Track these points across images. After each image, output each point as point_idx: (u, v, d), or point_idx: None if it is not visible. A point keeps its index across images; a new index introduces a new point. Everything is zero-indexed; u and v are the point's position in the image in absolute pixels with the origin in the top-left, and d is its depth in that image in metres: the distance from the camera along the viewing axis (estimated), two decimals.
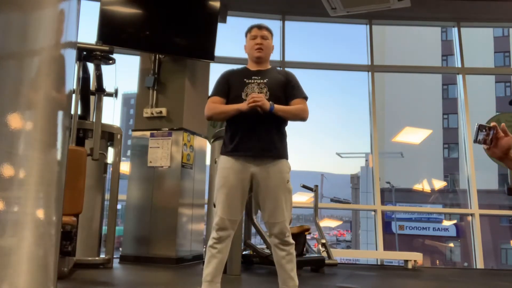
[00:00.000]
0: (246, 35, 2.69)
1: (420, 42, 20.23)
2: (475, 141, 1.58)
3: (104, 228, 4.49)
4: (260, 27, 2.64)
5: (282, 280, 2.43)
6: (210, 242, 2.40)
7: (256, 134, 2.43)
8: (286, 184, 2.45)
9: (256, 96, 2.38)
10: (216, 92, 2.57)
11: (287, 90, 2.54)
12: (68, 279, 3.44)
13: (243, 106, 2.40)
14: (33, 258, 1.15)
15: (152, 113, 5.15)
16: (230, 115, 2.47)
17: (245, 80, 2.53)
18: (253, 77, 2.53)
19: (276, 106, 2.41)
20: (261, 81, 2.51)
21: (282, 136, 2.53)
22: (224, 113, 2.49)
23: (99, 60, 4.11)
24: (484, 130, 1.56)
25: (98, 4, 4.92)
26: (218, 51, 5.25)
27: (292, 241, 2.44)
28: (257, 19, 7.29)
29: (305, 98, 2.57)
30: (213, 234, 2.39)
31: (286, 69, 6.68)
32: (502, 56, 21.88)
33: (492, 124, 1.58)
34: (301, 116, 2.51)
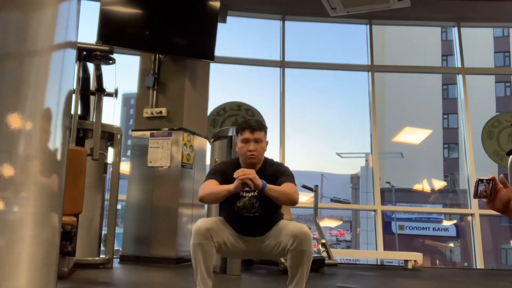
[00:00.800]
0: (237, 134, 2.54)
1: (420, 42, 20.22)
2: (475, 196, 1.52)
3: (104, 228, 4.49)
4: (252, 129, 2.47)
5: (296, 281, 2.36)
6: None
7: (250, 233, 2.47)
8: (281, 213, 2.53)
9: (247, 171, 2.27)
10: (211, 178, 2.47)
11: (276, 179, 2.43)
12: (68, 279, 3.44)
13: (233, 185, 2.29)
14: (33, 258, 1.15)
15: (152, 113, 5.15)
16: (222, 196, 2.36)
17: (238, 192, 2.43)
18: (245, 189, 2.40)
19: (269, 185, 2.30)
20: (253, 194, 2.44)
21: (277, 221, 2.51)
22: (215, 194, 2.37)
23: (99, 60, 4.11)
24: (483, 182, 1.52)
25: (98, 4, 4.92)
26: (218, 51, 5.25)
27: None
28: (257, 19, 7.32)
29: (294, 184, 2.46)
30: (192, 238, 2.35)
31: (287, 69, 6.68)
32: (502, 56, 21.87)
33: (490, 176, 1.54)
34: (293, 198, 2.37)
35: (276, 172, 2.47)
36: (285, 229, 2.40)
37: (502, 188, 1.50)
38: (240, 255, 2.79)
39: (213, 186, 2.40)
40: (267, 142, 2.55)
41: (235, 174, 2.27)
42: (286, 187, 2.38)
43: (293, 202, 2.38)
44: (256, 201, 2.42)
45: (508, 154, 1.76)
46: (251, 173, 2.26)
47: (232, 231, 2.46)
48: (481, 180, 1.52)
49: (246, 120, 2.53)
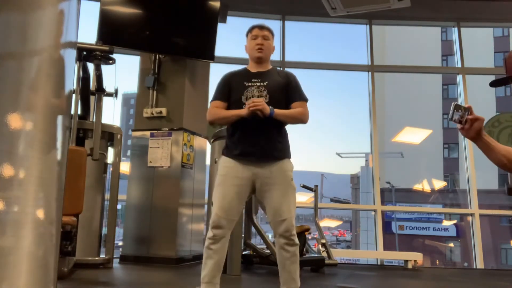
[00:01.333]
0: (247, 35, 2.68)
1: (420, 42, 20.23)
2: (450, 119, 1.67)
3: (104, 228, 4.49)
4: (261, 27, 2.63)
5: (284, 280, 2.42)
6: (206, 242, 2.39)
7: (257, 138, 2.44)
8: (290, 182, 2.46)
9: (256, 100, 2.39)
10: (217, 96, 2.58)
11: (287, 92, 2.54)
12: (68, 279, 3.44)
13: (243, 111, 2.42)
14: (33, 258, 1.15)
15: (152, 113, 5.15)
16: (231, 120, 2.49)
17: (245, 83, 2.53)
18: (253, 80, 2.53)
19: (276, 111, 2.42)
20: (261, 84, 2.51)
21: (283, 137, 2.53)
22: (225, 118, 2.52)
23: (99, 60, 4.11)
24: (459, 111, 1.68)
25: (98, 4, 4.92)
26: (218, 51, 5.26)
27: (297, 241, 2.43)
28: (257, 19, 7.31)
29: (305, 100, 2.57)
30: (209, 233, 2.38)
31: (287, 69, 6.69)
32: (502, 56, 21.82)
33: (467, 105, 1.71)
34: (301, 119, 2.52)
35: (290, 79, 2.58)
36: (283, 203, 2.39)
37: (477, 118, 1.67)
38: (243, 202, 2.67)
39: (222, 111, 2.52)
40: (274, 47, 2.68)
41: (247, 104, 2.41)
42: (294, 110, 2.51)
43: (303, 122, 2.55)
44: (264, 89, 2.51)
45: (492, 85, 1.81)
46: (260, 102, 2.39)
47: (238, 165, 2.43)
48: (457, 107, 1.69)
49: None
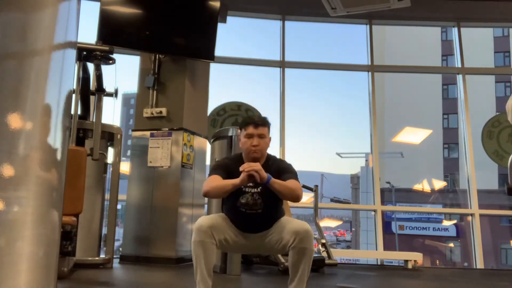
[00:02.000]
0: (241, 129, 2.56)
1: (420, 42, 20.22)
2: None
3: (104, 228, 4.49)
4: (256, 125, 2.49)
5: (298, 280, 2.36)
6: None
7: (252, 230, 2.49)
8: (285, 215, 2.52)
9: (253, 164, 2.31)
10: (217, 173, 2.47)
11: (280, 176, 2.43)
12: (68, 279, 3.43)
13: (239, 179, 2.31)
14: (33, 258, 1.15)
15: (152, 113, 5.15)
16: (227, 190, 2.37)
17: (241, 187, 2.43)
18: (248, 184, 2.42)
19: (273, 179, 2.32)
20: (255, 190, 2.45)
21: (280, 217, 2.52)
22: (220, 188, 2.38)
23: (99, 60, 4.10)
24: None
25: (98, 4, 4.92)
26: (218, 51, 5.25)
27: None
28: (257, 19, 7.32)
29: (298, 181, 2.48)
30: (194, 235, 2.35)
31: (287, 70, 6.69)
32: (502, 56, 21.87)
33: None
34: (297, 194, 2.38)
35: (279, 169, 2.49)
36: (287, 226, 2.40)
37: None
38: (241, 250, 2.81)
39: (218, 181, 2.40)
40: (270, 138, 2.57)
41: (241, 168, 2.30)
42: (290, 183, 2.40)
43: (296, 197, 2.40)
44: (258, 198, 2.43)
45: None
46: (257, 165, 2.29)
47: (234, 228, 2.47)
48: None
49: (250, 115, 2.57)
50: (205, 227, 2.31)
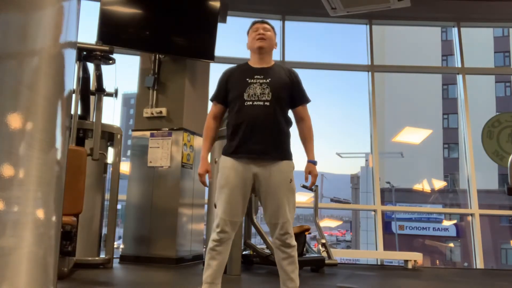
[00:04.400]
0: (248, 33, 2.63)
1: (420, 42, 20.22)
2: None
3: (104, 228, 4.49)
4: (262, 21, 2.60)
5: (283, 281, 2.42)
6: (210, 244, 2.37)
7: (258, 136, 2.37)
8: (289, 184, 2.41)
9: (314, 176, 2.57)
10: (216, 95, 2.58)
11: (291, 92, 2.49)
12: (68, 279, 3.44)
13: (204, 160, 2.54)
14: (33, 258, 1.15)
15: (152, 113, 5.15)
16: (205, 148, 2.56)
17: (247, 79, 2.45)
18: (255, 76, 2.45)
19: (312, 156, 2.56)
20: (264, 80, 2.43)
21: (285, 137, 2.47)
22: (204, 144, 2.57)
23: (99, 60, 4.11)
24: None
25: (98, 4, 4.92)
26: (218, 51, 5.26)
27: (294, 243, 2.40)
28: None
29: (308, 101, 2.57)
30: (214, 235, 2.36)
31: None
32: (502, 56, 21.88)
33: None
34: (312, 134, 2.59)
35: (291, 80, 2.52)
36: (280, 197, 2.38)
37: None
38: (246, 200, 2.68)
39: (208, 133, 2.56)
40: (276, 44, 2.62)
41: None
42: (308, 134, 2.56)
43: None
44: (267, 87, 2.43)
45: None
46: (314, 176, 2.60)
47: (239, 165, 2.39)
48: None
49: None
50: (226, 229, 2.35)
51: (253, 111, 2.38)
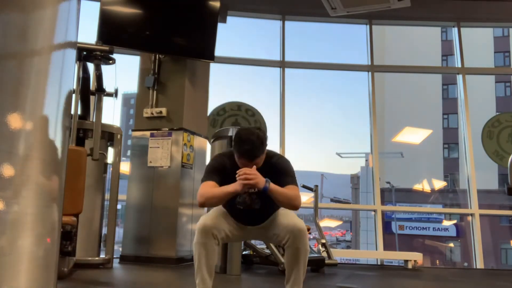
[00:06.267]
0: (233, 147, 2.37)
1: (420, 42, 20.22)
2: None
3: (104, 228, 4.49)
4: (253, 157, 2.29)
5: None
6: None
7: (250, 220, 2.51)
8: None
9: (248, 172, 2.21)
10: (210, 178, 2.35)
11: (278, 178, 2.34)
12: (68, 279, 3.43)
13: (237, 187, 2.23)
14: (33, 258, 1.15)
15: (152, 113, 5.15)
16: (223, 199, 2.30)
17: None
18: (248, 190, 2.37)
19: (272, 186, 2.23)
20: (253, 190, 2.32)
21: (277, 207, 2.50)
22: (216, 198, 2.29)
23: (99, 60, 4.10)
24: None
25: (98, 4, 4.92)
26: (218, 51, 5.25)
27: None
28: (257, 19, 7.31)
29: (297, 185, 2.40)
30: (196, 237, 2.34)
31: (287, 70, 6.68)
32: (502, 56, 21.88)
33: None
34: (295, 203, 2.30)
35: (279, 169, 2.39)
36: (282, 222, 2.39)
37: None
38: (241, 239, 2.80)
39: (213, 190, 2.29)
40: (266, 145, 2.39)
41: (237, 175, 2.23)
42: (289, 190, 2.30)
43: (295, 207, 2.33)
44: (256, 198, 2.38)
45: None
46: (253, 176, 2.22)
47: (233, 221, 2.48)
48: None
49: (243, 141, 2.28)
50: (207, 228, 2.31)
51: (244, 214, 2.46)
